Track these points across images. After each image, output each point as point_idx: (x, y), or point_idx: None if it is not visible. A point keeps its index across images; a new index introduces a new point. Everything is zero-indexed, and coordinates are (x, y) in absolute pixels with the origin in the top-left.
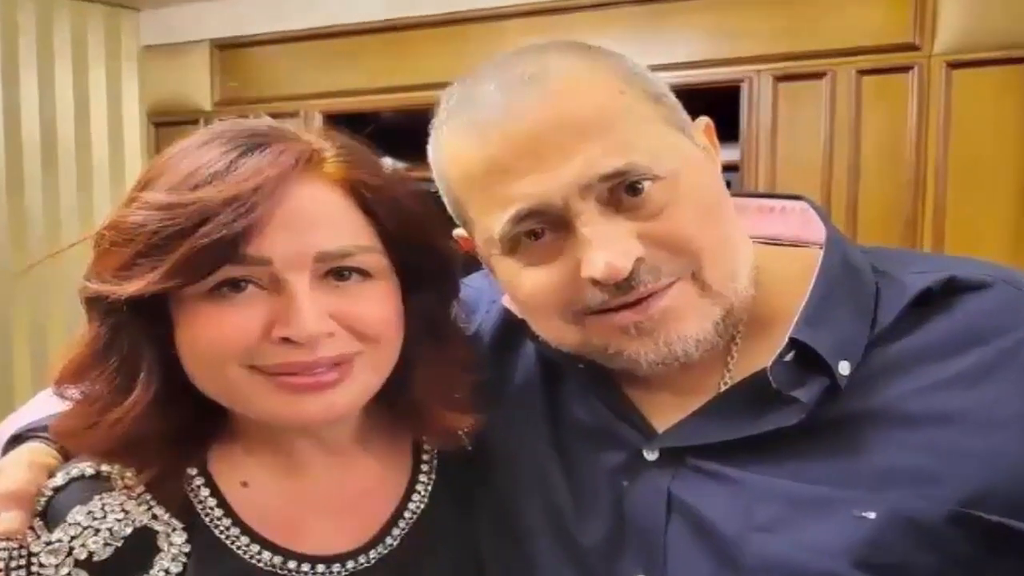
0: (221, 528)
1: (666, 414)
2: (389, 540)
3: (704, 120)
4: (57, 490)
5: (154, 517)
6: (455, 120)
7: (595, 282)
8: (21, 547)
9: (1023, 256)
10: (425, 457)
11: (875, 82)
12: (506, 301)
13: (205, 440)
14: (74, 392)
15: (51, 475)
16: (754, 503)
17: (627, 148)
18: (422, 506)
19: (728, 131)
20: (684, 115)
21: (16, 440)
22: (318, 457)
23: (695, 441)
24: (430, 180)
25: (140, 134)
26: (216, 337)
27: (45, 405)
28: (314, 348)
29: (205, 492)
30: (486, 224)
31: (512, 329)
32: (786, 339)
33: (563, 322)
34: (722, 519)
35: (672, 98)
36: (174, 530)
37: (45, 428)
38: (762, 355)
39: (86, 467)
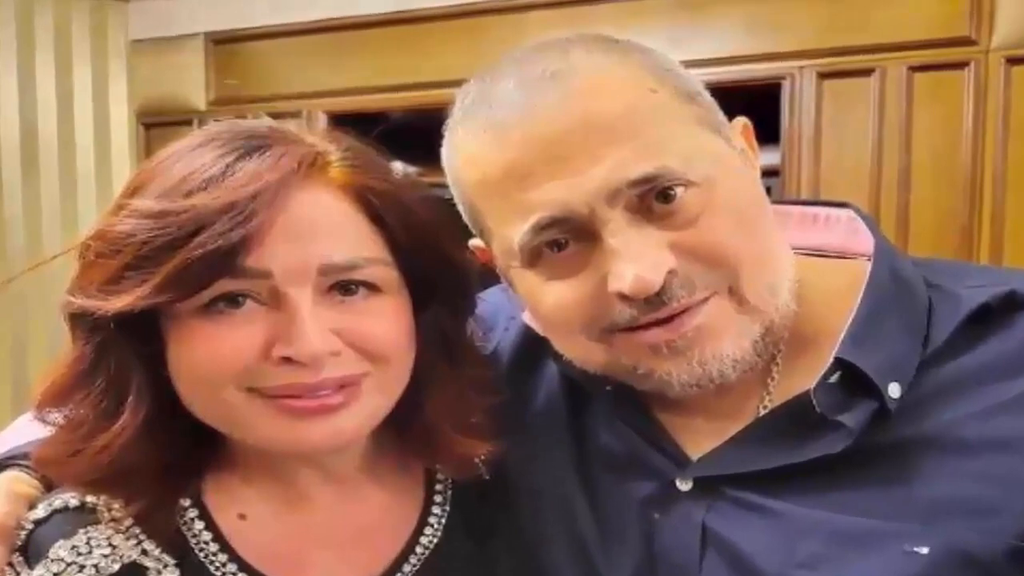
0: (216, 564)
1: (701, 440)
2: None
3: (742, 121)
4: (38, 523)
5: (144, 552)
6: (471, 120)
7: (623, 297)
8: None
9: None
10: (438, 487)
11: (928, 79)
12: (526, 317)
13: (199, 468)
14: (57, 417)
15: (32, 507)
16: (796, 537)
17: (658, 151)
18: (435, 540)
19: (768, 133)
20: (720, 115)
21: None
22: (322, 487)
23: (732, 470)
24: (444, 186)
25: (128, 136)
26: (211, 357)
27: (26, 431)
28: (318, 368)
29: (199, 525)
30: (505, 234)
31: (533, 348)
32: (831, 359)
33: (588, 340)
34: (762, 554)
35: (707, 97)
36: (165, 566)
37: (26, 456)
38: (805, 376)
39: (70, 498)
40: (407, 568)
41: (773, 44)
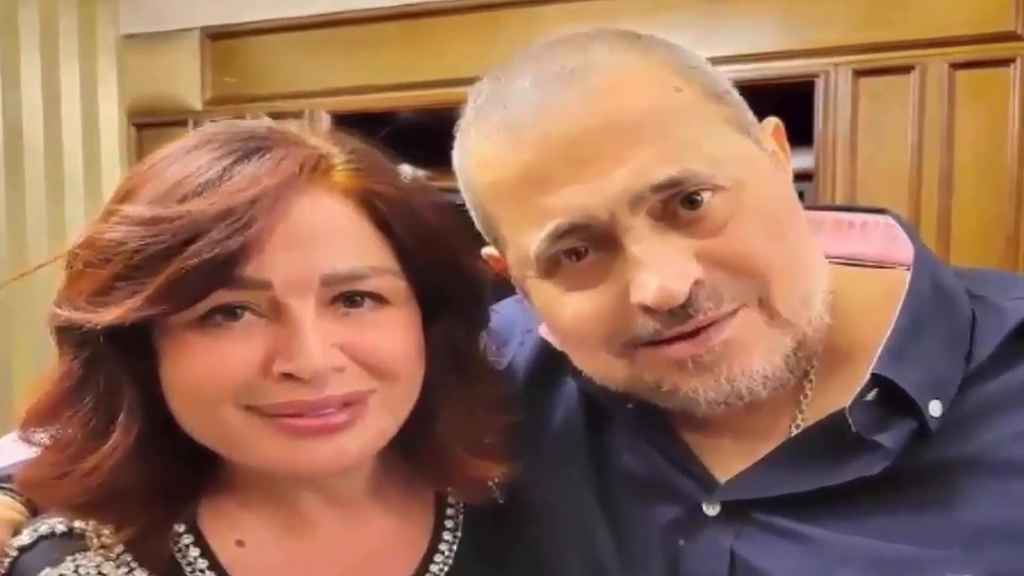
0: None
1: (729, 462)
2: None
3: (773, 121)
4: (23, 550)
5: None
6: (484, 121)
7: (646, 309)
8: None
9: None
10: (449, 512)
11: (971, 77)
12: (543, 331)
13: (195, 492)
14: (43, 436)
15: (16, 532)
16: (832, 565)
17: (684, 154)
18: (446, 568)
19: (800, 134)
20: (749, 115)
21: None
22: (325, 512)
23: (763, 493)
24: (455, 190)
25: (119, 137)
26: (208, 373)
27: (10, 451)
28: (321, 385)
29: (195, 552)
30: (520, 242)
31: (550, 363)
32: (867, 375)
33: (609, 355)
34: None
35: (736, 96)
36: None
37: (9, 478)
38: (840, 393)
39: (57, 523)
40: None
41: (806, 40)
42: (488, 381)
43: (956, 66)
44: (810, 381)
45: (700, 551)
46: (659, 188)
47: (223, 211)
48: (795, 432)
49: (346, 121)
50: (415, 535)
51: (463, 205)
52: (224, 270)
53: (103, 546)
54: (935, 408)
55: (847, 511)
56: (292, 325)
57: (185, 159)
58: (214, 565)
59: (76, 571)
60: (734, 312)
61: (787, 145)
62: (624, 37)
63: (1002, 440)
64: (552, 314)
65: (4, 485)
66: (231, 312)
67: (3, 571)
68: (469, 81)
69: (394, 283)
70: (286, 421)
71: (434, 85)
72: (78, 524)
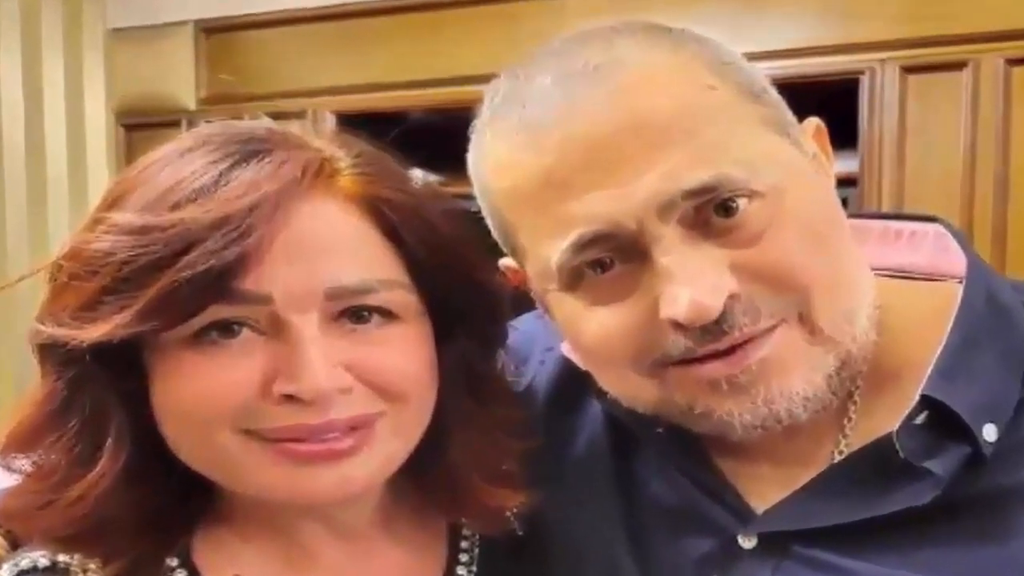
0: None
1: (766, 491)
2: None
3: (814, 122)
4: None
5: None
6: (502, 121)
7: (677, 325)
8: None
9: None
10: (464, 544)
11: None
12: (565, 349)
13: (189, 523)
14: (25, 463)
15: None
16: None
17: (717, 157)
18: None
19: (844, 136)
20: (789, 116)
21: None
22: (330, 544)
23: (803, 524)
24: (471, 197)
25: (107, 139)
26: (202, 394)
27: None
28: (325, 408)
29: None
30: (541, 252)
31: (573, 384)
32: (917, 396)
33: (637, 375)
34: None
35: (774, 95)
36: None
37: None
38: (887, 416)
39: (39, 556)
40: None
41: (850, 34)
42: (506, 403)
43: (1012, 62)
44: (854, 403)
45: None
46: (691, 194)
47: (219, 219)
48: (838, 458)
49: (352, 122)
50: (427, 569)
51: (478, 212)
52: (220, 283)
53: None
54: (990, 432)
55: (894, 543)
56: (294, 342)
57: (178, 163)
58: None
59: None
60: (772, 328)
61: (829, 148)
62: (653, 31)
63: None
64: (575, 330)
65: None
66: (228, 328)
67: None
68: (485, 79)
69: (404, 297)
70: (287, 446)
71: (447, 83)
72: (62, 557)
